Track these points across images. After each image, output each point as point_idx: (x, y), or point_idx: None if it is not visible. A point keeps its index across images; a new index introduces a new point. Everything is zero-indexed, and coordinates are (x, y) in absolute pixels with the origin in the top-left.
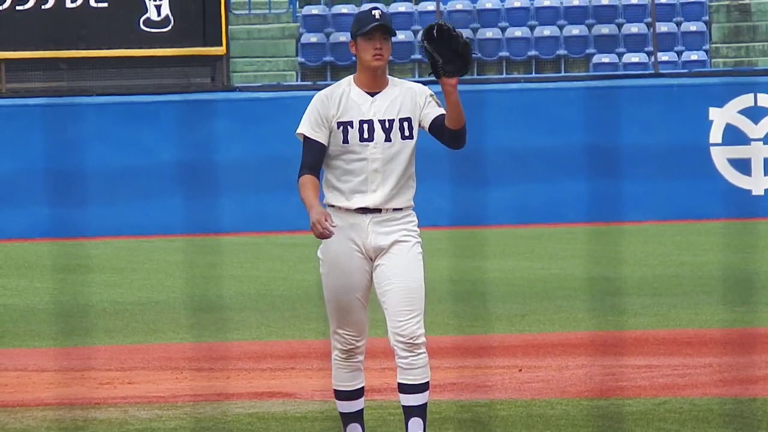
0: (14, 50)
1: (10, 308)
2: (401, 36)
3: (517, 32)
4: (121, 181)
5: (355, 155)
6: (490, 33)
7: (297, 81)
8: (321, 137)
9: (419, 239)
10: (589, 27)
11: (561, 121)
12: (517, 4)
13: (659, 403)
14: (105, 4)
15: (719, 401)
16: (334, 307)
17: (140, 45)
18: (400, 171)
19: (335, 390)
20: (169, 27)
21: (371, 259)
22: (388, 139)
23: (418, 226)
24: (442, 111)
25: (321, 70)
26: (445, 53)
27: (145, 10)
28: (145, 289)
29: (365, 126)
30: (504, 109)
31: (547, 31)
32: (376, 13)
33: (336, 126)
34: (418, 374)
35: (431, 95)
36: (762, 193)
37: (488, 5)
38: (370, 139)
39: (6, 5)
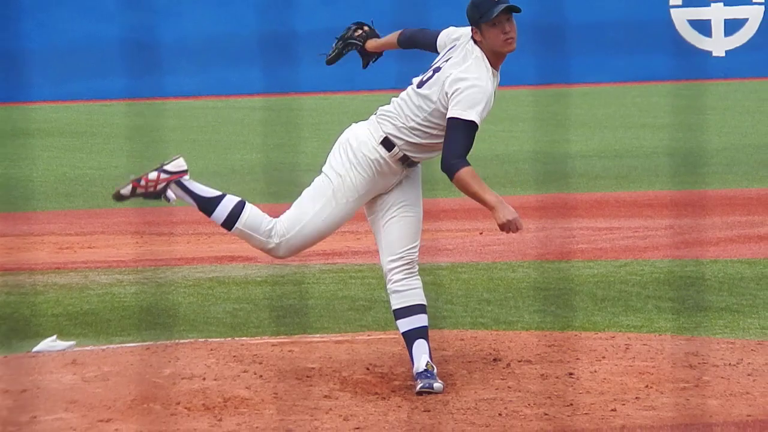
0: None
1: None
2: None
3: None
4: (80, 47)
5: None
6: None
7: None
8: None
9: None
10: None
11: None
12: None
13: (620, 265)
14: None
15: (680, 263)
16: (316, 229)
17: None
18: None
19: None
20: None
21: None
22: None
23: None
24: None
25: None
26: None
27: None
28: (104, 154)
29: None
30: None
31: None
32: None
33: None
34: (416, 295)
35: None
36: (723, 54)
37: None
38: None
39: None
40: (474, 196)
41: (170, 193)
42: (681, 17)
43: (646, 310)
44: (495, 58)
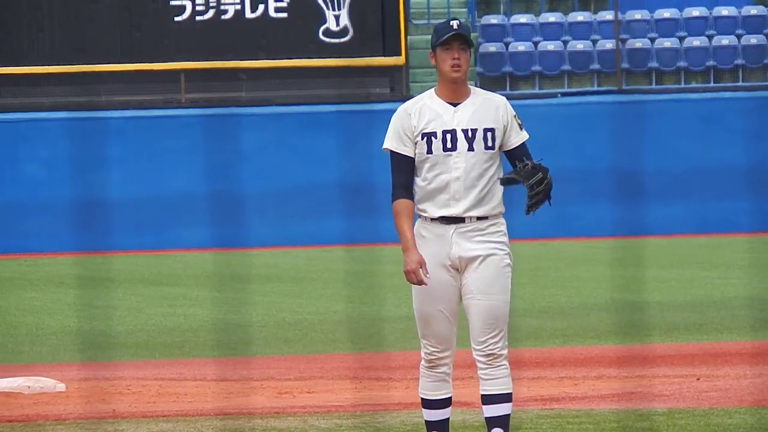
0: (194, 60)
1: (190, 318)
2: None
3: (695, 42)
4: (298, 191)
5: (438, 165)
6: (668, 43)
7: None
8: (408, 151)
9: (508, 250)
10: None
11: (740, 130)
12: (695, 14)
13: None
14: (285, 15)
15: None
16: (418, 317)
17: (319, 55)
18: (483, 181)
19: (421, 398)
20: (348, 37)
21: (457, 270)
22: (470, 148)
23: (507, 237)
24: (522, 139)
25: (500, 80)
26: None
27: (324, 20)
28: (323, 299)
29: (448, 136)
30: (681, 119)
31: (725, 40)
32: (454, 23)
33: (420, 137)
34: (497, 384)
35: (515, 116)
36: None
37: (666, 15)
38: (453, 148)
39: (186, 15)
40: (396, 228)
41: None
42: None
43: None
44: (447, 88)
